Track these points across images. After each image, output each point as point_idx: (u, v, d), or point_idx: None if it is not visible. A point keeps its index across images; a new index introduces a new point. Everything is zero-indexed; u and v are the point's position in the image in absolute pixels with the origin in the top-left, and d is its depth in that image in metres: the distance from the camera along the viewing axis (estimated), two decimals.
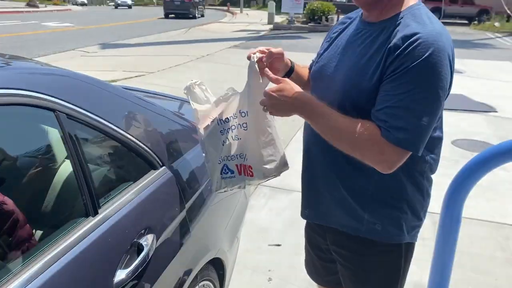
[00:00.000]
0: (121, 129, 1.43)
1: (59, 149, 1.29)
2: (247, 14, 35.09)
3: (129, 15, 31.30)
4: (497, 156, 1.97)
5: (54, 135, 1.28)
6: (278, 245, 3.15)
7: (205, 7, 33.66)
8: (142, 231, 1.38)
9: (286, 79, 1.32)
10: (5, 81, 1.13)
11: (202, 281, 1.81)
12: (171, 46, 13.49)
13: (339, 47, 1.38)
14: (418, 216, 1.40)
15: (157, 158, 1.58)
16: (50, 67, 1.48)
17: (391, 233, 1.36)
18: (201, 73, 8.90)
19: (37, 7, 35.86)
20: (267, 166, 1.42)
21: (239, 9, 38.66)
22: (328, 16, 20.00)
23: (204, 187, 1.82)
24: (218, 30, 19.41)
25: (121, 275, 1.23)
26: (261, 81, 1.36)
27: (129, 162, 1.51)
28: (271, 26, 20.55)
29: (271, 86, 1.32)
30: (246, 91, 1.40)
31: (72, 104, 1.26)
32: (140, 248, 1.33)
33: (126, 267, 1.26)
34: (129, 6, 47.25)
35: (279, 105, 1.27)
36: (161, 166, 1.60)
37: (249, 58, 1.38)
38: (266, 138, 1.41)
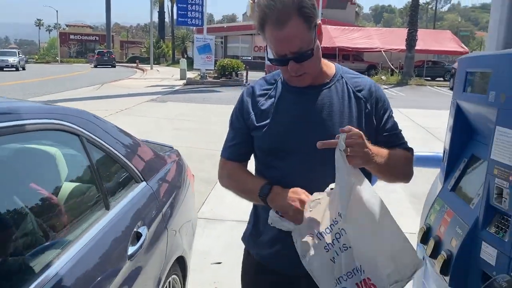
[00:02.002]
0: (119, 153, 1.96)
1: (84, 163, 1.78)
2: (158, 70, 35.84)
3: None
4: None
5: (78, 154, 1.77)
6: (219, 263, 3.65)
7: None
8: (139, 223, 1.88)
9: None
10: (52, 114, 1.64)
11: (172, 275, 2.29)
12: (87, 101, 13.61)
13: (293, 115, 1.43)
14: None
15: (140, 176, 2.11)
16: (70, 107, 1.98)
17: None
18: (121, 126, 9.22)
19: None
20: (389, 271, 1.24)
21: (149, 66, 39.33)
22: (238, 72, 21.43)
23: (171, 200, 2.35)
24: (132, 86, 19.80)
25: (131, 250, 1.73)
26: (353, 168, 1.24)
27: (123, 177, 2.02)
28: (184, 81, 21.42)
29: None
30: (339, 188, 1.25)
31: (90, 132, 1.78)
32: (139, 235, 1.84)
33: (133, 245, 1.76)
34: (16, 67, 31.66)
35: (360, 149, 1.25)
36: (142, 181, 2.13)
37: (324, 145, 1.24)
38: (382, 235, 1.25)
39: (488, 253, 1.46)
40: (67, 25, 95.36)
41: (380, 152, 1.35)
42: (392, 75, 27.59)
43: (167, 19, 58.73)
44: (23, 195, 1.45)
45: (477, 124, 1.81)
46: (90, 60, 49.04)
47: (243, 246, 1.70)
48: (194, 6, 20.58)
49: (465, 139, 1.90)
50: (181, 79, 22.95)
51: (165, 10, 55.96)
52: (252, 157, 1.59)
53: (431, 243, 1.77)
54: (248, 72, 21.32)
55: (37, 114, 1.54)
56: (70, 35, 75.71)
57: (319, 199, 1.30)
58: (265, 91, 1.50)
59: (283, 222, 1.34)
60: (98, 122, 1.94)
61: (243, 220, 1.74)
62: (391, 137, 1.49)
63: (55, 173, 1.68)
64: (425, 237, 1.86)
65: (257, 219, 1.59)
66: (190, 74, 24.46)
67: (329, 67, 1.50)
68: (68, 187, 1.67)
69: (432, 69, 30.73)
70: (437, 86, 25.02)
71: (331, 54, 30.14)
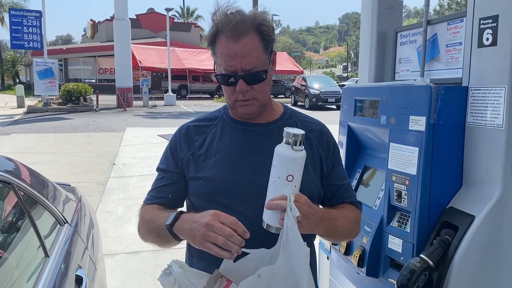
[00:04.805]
0: (44, 197, 1.90)
1: (21, 213, 1.68)
2: None
3: None
4: None
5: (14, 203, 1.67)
6: None
7: None
8: (76, 266, 1.85)
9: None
10: None
11: None
12: None
13: (239, 154, 1.26)
14: None
15: (63, 218, 2.06)
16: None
17: None
18: None
19: None
20: None
21: None
22: (87, 97, 20.26)
23: (91, 238, 2.31)
24: None
25: None
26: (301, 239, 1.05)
27: (50, 221, 1.94)
28: (24, 109, 19.37)
29: None
30: (290, 262, 1.05)
31: (19, 179, 1.71)
32: (78, 278, 1.80)
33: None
34: None
35: (312, 216, 1.12)
36: (65, 223, 2.07)
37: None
38: None
39: (395, 243, 1.85)
40: None
41: (329, 216, 1.21)
42: None
43: None
44: None
45: (366, 140, 2.24)
46: None
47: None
48: (31, 28, 18.84)
49: (356, 153, 2.32)
50: (18, 107, 20.68)
51: None
52: None
53: (344, 242, 2.12)
54: (99, 96, 20.34)
55: None
56: None
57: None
58: (204, 129, 1.33)
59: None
60: (20, 166, 1.85)
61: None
62: (340, 190, 1.35)
63: None
64: None
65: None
66: (28, 101, 22.20)
67: (278, 105, 1.40)
68: (11, 237, 1.58)
69: (274, 87, 33.39)
70: (280, 102, 27.32)
71: (182, 75, 30.60)
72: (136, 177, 7.39)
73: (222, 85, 1.27)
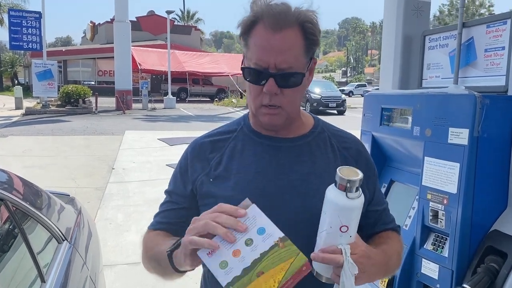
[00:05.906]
0: (39, 212, 1.71)
1: (14, 233, 1.49)
2: None
3: None
4: None
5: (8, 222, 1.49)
6: None
7: None
8: None
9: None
10: None
11: None
12: None
13: (263, 175, 1.09)
14: None
15: (61, 235, 1.87)
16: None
17: None
18: None
19: None
20: None
21: None
22: (86, 99, 20.05)
23: (92, 255, 2.12)
24: None
25: None
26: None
27: (47, 239, 1.75)
28: (22, 111, 19.13)
29: None
30: None
31: (11, 194, 1.52)
32: None
33: None
34: None
35: (370, 267, 0.95)
36: (64, 240, 1.88)
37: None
38: None
39: (430, 268, 1.67)
40: None
41: (385, 259, 1.04)
42: (241, 97, 29.02)
43: None
44: None
45: (392, 152, 2.06)
46: None
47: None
48: (30, 29, 18.64)
49: (381, 165, 2.14)
50: (17, 108, 20.45)
51: None
52: None
53: None
54: (98, 98, 20.12)
55: None
56: None
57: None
58: (221, 143, 1.16)
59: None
60: (13, 178, 1.66)
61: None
62: (382, 215, 1.18)
63: None
64: None
65: None
66: (27, 103, 21.97)
67: (307, 117, 1.21)
68: (3, 261, 1.39)
69: None
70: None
71: (182, 78, 30.46)
72: (136, 183, 7.20)
73: (247, 84, 1.07)
